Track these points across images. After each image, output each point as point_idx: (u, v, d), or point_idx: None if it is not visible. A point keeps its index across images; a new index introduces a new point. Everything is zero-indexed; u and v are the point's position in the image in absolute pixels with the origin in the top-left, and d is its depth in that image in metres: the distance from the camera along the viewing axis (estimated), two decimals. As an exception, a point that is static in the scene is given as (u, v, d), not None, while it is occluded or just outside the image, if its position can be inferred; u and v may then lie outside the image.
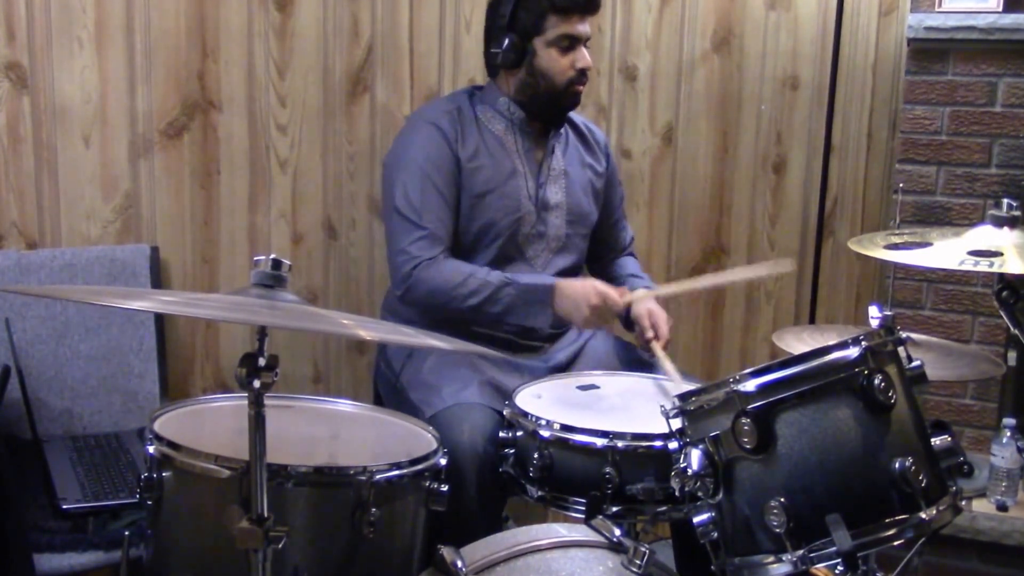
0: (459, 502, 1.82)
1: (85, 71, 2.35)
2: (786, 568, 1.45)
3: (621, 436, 1.80)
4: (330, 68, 2.58)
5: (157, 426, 1.62)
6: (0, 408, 2.02)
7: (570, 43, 2.22)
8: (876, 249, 1.88)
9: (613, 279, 2.44)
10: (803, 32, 3.02)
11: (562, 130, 2.38)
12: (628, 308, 2.26)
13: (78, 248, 2.37)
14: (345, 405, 1.89)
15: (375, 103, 2.64)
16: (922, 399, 1.59)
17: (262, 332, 1.28)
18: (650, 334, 2.22)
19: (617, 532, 1.54)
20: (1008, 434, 2.62)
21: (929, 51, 2.87)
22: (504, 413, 1.97)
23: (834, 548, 1.41)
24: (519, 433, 1.92)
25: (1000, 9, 2.79)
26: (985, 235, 1.82)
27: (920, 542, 1.82)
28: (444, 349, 1.50)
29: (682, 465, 1.52)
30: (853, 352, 1.48)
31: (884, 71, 3.05)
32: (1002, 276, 1.75)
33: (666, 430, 1.59)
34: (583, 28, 2.23)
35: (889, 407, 1.47)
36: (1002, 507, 2.66)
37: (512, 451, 1.94)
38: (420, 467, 1.61)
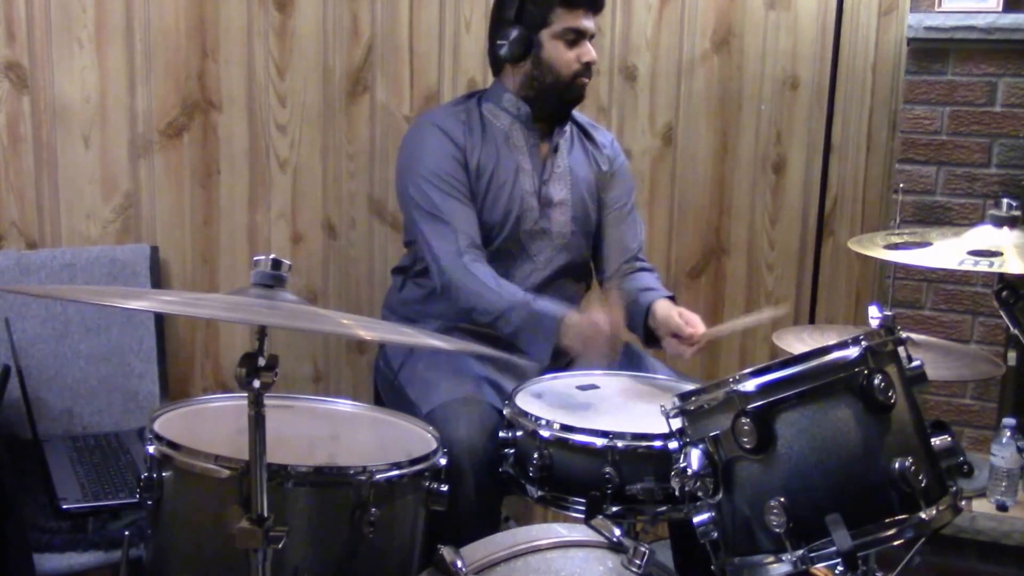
0: (456, 498, 1.82)
1: (85, 71, 2.35)
2: (786, 568, 1.45)
3: (621, 436, 1.80)
4: (330, 68, 2.58)
5: (157, 426, 1.62)
6: (0, 408, 2.02)
7: (576, 37, 2.24)
8: (876, 249, 1.88)
9: (628, 294, 2.31)
10: (803, 32, 3.02)
11: (567, 128, 2.38)
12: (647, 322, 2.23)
13: (78, 248, 2.36)
14: (345, 405, 1.89)
15: (375, 103, 2.64)
16: (922, 399, 1.59)
17: (262, 332, 1.28)
18: (689, 330, 2.16)
19: (617, 532, 1.54)
20: (1008, 434, 2.62)
21: (929, 51, 2.87)
22: (504, 413, 1.97)
23: (834, 548, 1.41)
24: (519, 433, 1.92)
25: (1000, 9, 2.79)
26: (985, 235, 1.82)
27: (920, 542, 1.82)
28: (444, 348, 1.50)
29: (682, 465, 1.52)
30: (853, 352, 1.48)
31: (884, 71, 3.05)
32: (1002, 276, 1.76)
33: (666, 430, 1.59)
34: (588, 23, 2.25)
35: (889, 407, 1.46)
36: (1002, 507, 2.66)
37: (512, 451, 1.94)
38: (420, 467, 1.61)
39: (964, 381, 2.91)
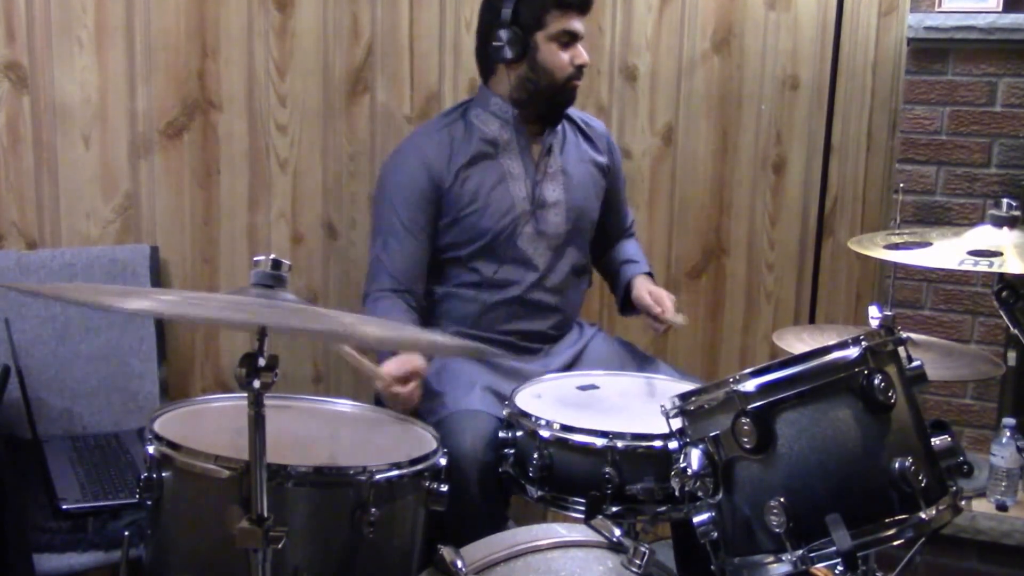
0: (462, 508, 1.83)
1: (85, 71, 2.35)
2: (786, 568, 1.45)
3: (621, 436, 1.80)
4: (330, 68, 2.58)
5: (157, 426, 1.62)
6: (0, 408, 2.02)
7: (569, 39, 2.25)
8: (876, 249, 1.88)
9: (610, 264, 2.53)
10: (803, 32, 3.02)
11: (559, 128, 2.38)
12: (628, 292, 2.37)
13: (78, 248, 2.37)
14: (345, 405, 1.89)
15: (375, 103, 2.64)
16: (922, 399, 1.59)
17: (262, 332, 1.28)
18: (658, 309, 2.29)
19: (617, 532, 1.54)
20: (1008, 434, 2.62)
21: (929, 51, 2.87)
22: (504, 413, 1.97)
23: (834, 548, 1.41)
24: (519, 433, 1.92)
25: (1000, 9, 2.79)
26: (985, 235, 1.82)
27: (920, 542, 1.82)
28: (445, 347, 1.49)
29: (682, 465, 1.52)
30: (853, 352, 1.48)
31: (884, 71, 3.04)
32: (1002, 276, 1.76)
33: (666, 430, 1.59)
34: (580, 26, 2.27)
35: (889, 407, 1.46)
36: (1002, 507, 2.66)
37: (512, 451, 1.94)
38: (420, 467, 1.61)
39: (964, 381, 2.90)
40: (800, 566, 1.44)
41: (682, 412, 1.56)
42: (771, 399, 1.46)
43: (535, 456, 1.86)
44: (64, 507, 1.87)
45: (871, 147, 3.09)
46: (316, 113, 2.58)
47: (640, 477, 1.79)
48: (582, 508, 1.81)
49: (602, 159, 2.45)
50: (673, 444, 1.59)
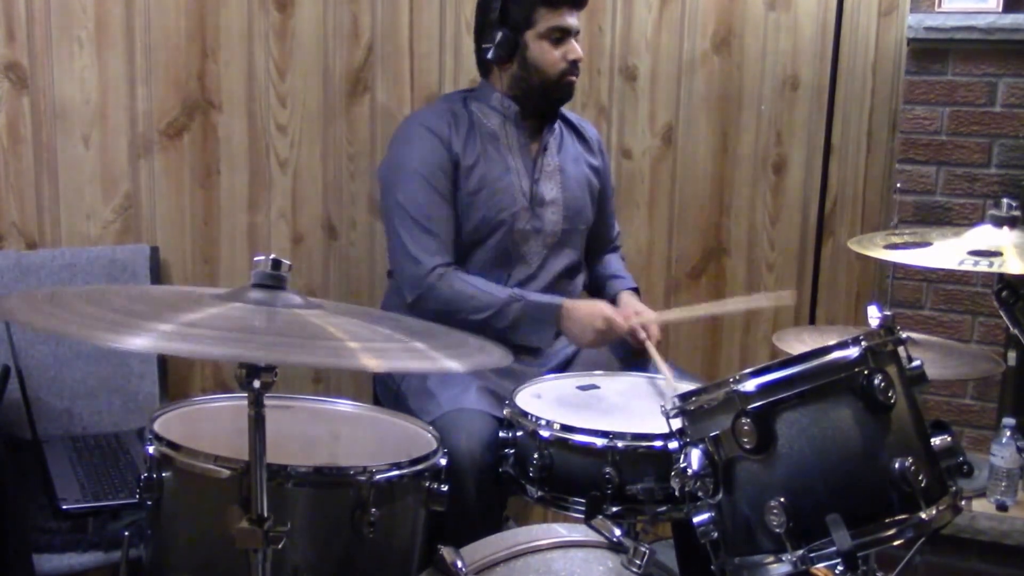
0: (459, 507, 1.82)
1: (85, 71, 2.35)
2: (786, 568, 1.45)
3: (621, 436, 1.80)
4: (330, 68, 2.58)
5: (157, 426, 1.62)
6: (0, 408, 2.02)
7: (561, 35, 2.25)
8: (876, 249, 1.88)
9: (597, 278, 2.51)
10: (803, 32, 3.02)
11: (556, 127, 2.38)
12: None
13: (78, 248, 2.36)
14: (345, 405, 1.89)
15: (375, 103, 2.64)
16: (922, 399, 1.59)
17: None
18: (643, 335, 2.24)
19: (617, 532, 1.54)
20: (1008, 434, 2.62)
21: (929, 51, 2.87)
22: (504, 413, 1.97)
23: (834, 548, 1.41)
24: (519, 433, 1.92)
25: (1000, 9, 2.79)
26: (985, 235, 1.82)
27: (920, 542, 1.83)
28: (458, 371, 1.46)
29: (682, 465, 1.52)
30: (853, 352, 1.48)
31: (884, 71, 3.04)
32: (1002, 276, 1.76)
33: (666, 430, 1.59)
34: (572, 21, 2.26)
35: (889, 407, 1.46)
36: (1002, 507, 2.66)
37: (512, 451, 1.94)
38: (420, 467, 1.60)
39: (964, 381, 2.91)
40: (800, 566, 1.44)
41: (682, 412, 1.56)
42: (771, 399, 1.46)
43: (535, 456, 1.86)
44: (64, 507, 1.87)
45: (871, 147, 3.09)
46: (316, 113, 2.58)
47: (640, 477, 1.79)
48: (582, 508, 1.81)
49: (596, 161, 2.46)
50: (673, 444, 1.59)
